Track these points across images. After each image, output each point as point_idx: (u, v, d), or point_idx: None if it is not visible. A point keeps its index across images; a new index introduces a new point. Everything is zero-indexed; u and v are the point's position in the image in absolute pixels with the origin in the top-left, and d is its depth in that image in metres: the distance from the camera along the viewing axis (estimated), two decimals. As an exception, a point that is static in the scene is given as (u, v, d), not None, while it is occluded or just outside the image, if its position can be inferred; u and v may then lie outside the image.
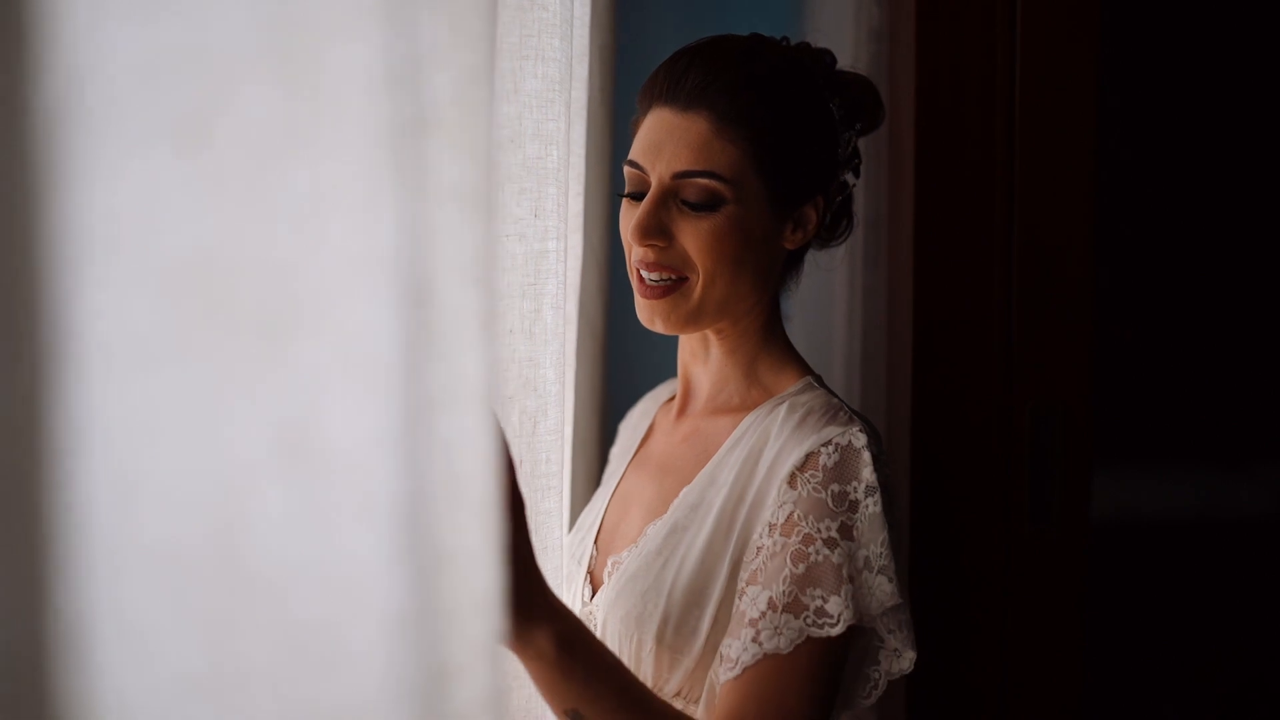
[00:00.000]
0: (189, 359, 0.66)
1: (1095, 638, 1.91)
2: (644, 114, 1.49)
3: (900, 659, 1.43)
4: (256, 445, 0.68)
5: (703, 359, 1.56)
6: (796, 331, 1.70)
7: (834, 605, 1.34)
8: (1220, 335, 2.55)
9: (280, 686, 0.69)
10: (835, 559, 1.36)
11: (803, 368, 1.54)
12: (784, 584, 1.35)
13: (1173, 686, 2.54)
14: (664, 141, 1.44)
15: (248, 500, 0.68)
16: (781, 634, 1.34)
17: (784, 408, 1.47)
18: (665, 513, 1.49)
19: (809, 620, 1.34)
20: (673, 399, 1.64)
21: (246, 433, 0.68)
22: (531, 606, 1.21)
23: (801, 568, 1.35)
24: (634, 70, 1.87)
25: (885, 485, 1.40)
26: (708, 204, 1.43)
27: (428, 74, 0.72)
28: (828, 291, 2.10)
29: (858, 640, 1.43)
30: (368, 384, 0.70)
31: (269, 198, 0.67)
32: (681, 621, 1.40)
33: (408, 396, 0.71)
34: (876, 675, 1.43)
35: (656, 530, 1.47)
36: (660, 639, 1.41)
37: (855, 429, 1.41)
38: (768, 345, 1.54)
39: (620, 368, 2.25)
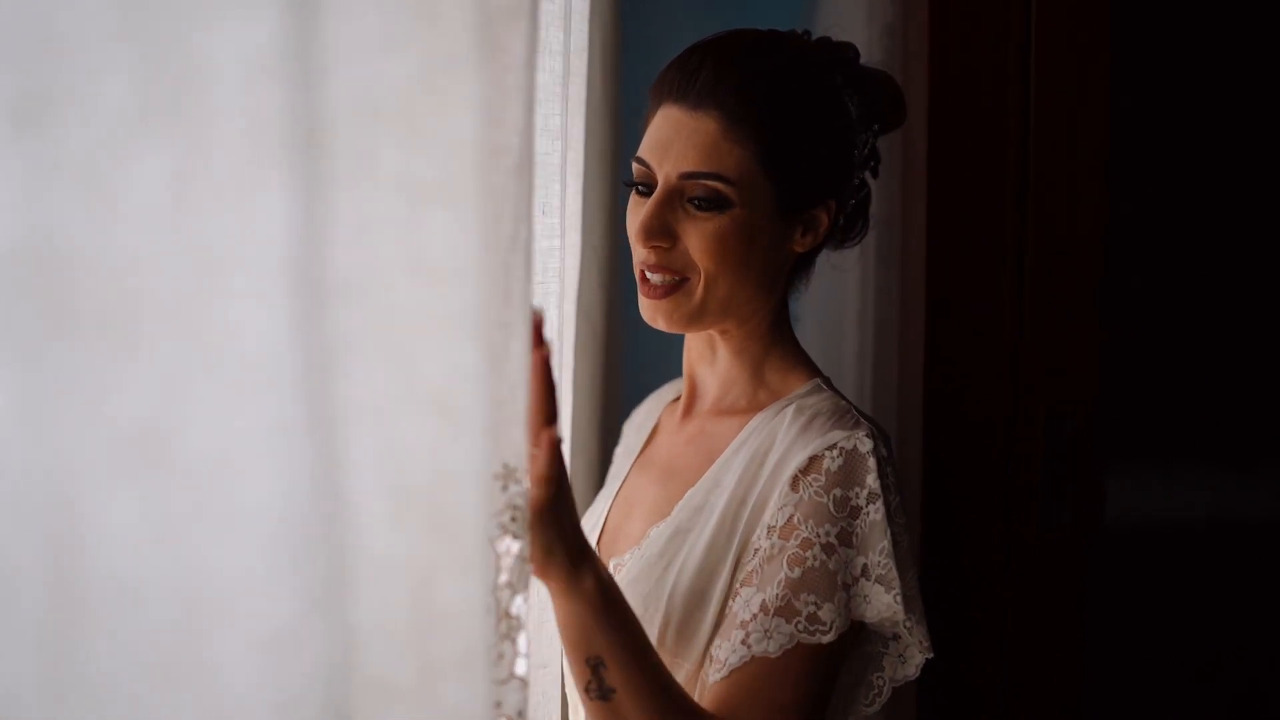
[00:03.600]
0: (15, 356, 0.62)
1: (1103, 640, 1.88)
2: (654, 110, 1.46)
3: (905, 665, 1.40)
4: (94, 451, 0.64)
5: (709, 360, 1.53)
6: (808, 331, 1.68)
7: (827, 612, 1.32)
8: (1230, 336, 2.53)
9: (124, 699, 0.65)
10: (832, 565, 1.33)
11: (811, 369, 1.51)
12: (778, 587, 1.33)
13: (1181, 690, 2.52)
14: (672, 140, 1.41)
15: (87, 507, 0.64)
16: (771, 637, 1.32)
17: (791, 410, 1.44)
18: (669, 515, 1.46)
19: (800, 626, 1.32)
20: (678, 399, 1.61)
21: (82, 438, 0.64)
22: (583, 549, 1.22)
23: (797, 572, 1.33)
24: (639, 65, 1.83)
25: (890, 491, 1.37)
26: (713, 205, 1.39)
27: (377, 62, 0.68)
28: (839, 291, 2.08)
29: (862, 646, 1.41)
30: (246, 386, 0.65)
31: (116, 187, 0.63)
32: (682, 625, 1.38)
33: (305, 401, 0.67)
34: (881, 682, 1.41)
35: (659, 533, 1.44)
36: (661, 642, 1.38)
37: (861, 433, 1.38)
38: (775, 347, 1.50)
39: (621, 367, 2.22)
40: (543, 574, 1.21)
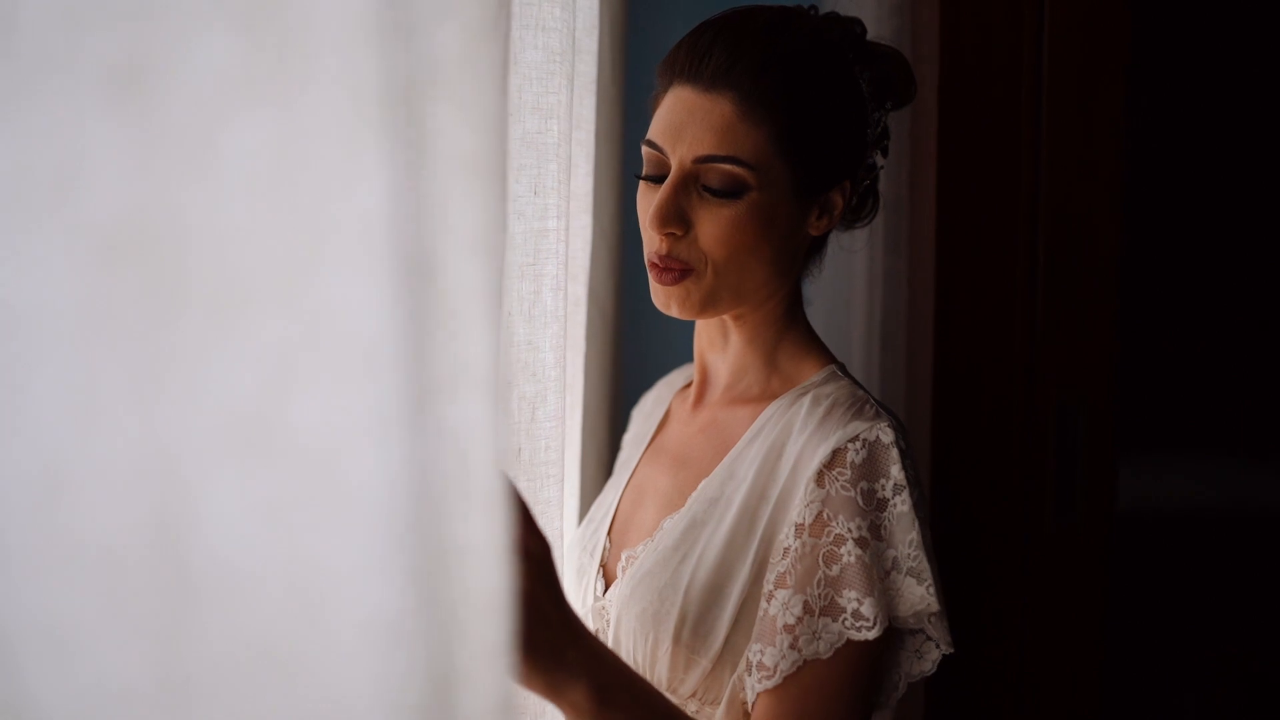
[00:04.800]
0: (123, 335, 0.59)
1: (1116, 630, 1.86)
2: (664, 91, 1.42)
3: (922, 661, 1.37)
4: (205, 433, 0.61)
5: (721, 347, 1.50)
6: (815, 316, 1.66)
7: (869, 608, 1.29)
8: (1244, 324, 2.49)
9: (234, 700, 0.62)
10: (867, 559, 1.30)
11: (825, 356, 1.48)
12: (819, 587, 1.30)
13: (1194, 680, 2.50)
14: (685, 123, 1.37)
15: (195, 494, 0.61)
16: (820, 638, 1.29)
17: (807, 399, 1.41)
18: (682, 506, 1.43)
19: (847, 623, 1.29)
20: (688, 386, 1.59)
21: (193, 419, 0.61)
22: (564, 658, 1.13)
23: (835, 569, 1.30)
24: (647, 44, 1.81)
25: (913, 482, 1.34)
26: (730, 191, 1.36)
27: (431, 28, 0.66)
28: (847, 275, 2.05)
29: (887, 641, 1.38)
30: (351, 366, 0.62)
31: (219, 155, 0.60)
32: (699, 620, 1.35)
33: (407, 380, 0.64)
34: (896, 677, 1.38)
35: (674, 524, 1.41)
36: (677, 638, 1.35)
37: (883, 424, 1.35)
38: (789, 332, 1.48)
39: (633, 352, 2.20)
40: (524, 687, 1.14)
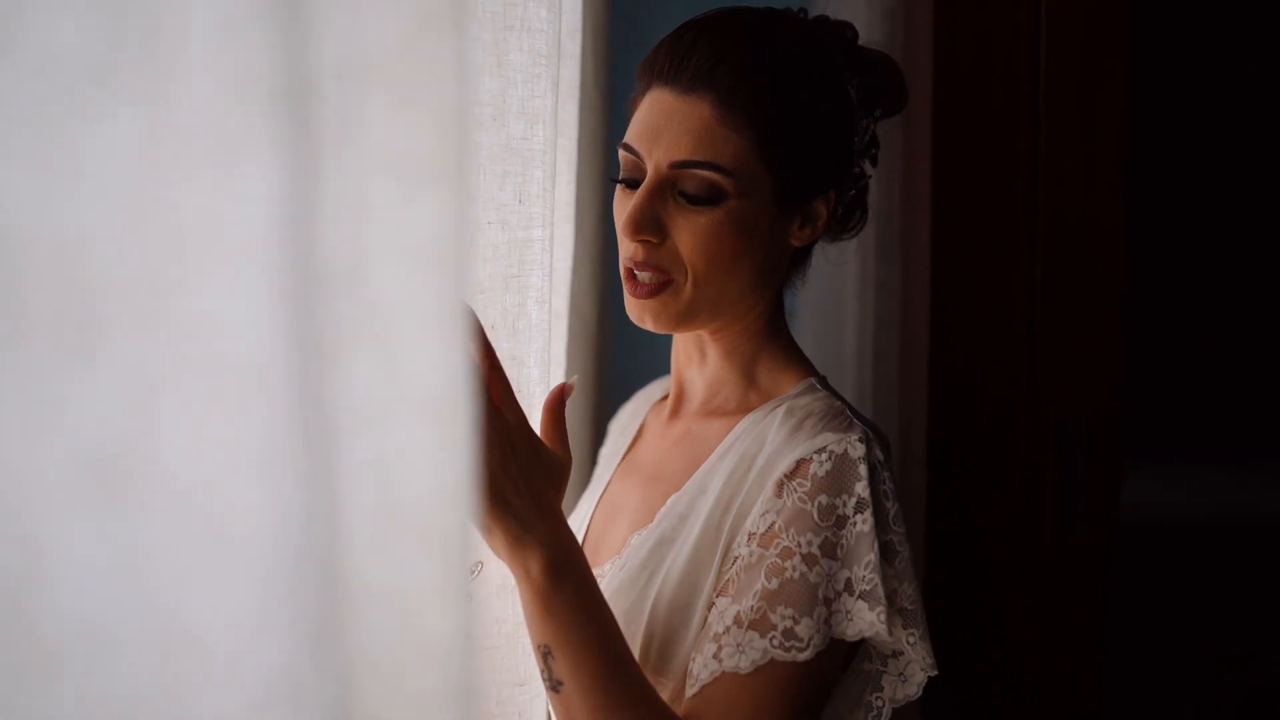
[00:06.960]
0: None
1: (1116, 638, 1.83)
2: (643, 93, 1.37)
3: (907, 685, 1.32)
4: (56, 473, 0.54)
5: (698, 361, 1.45)
6: (804, 328, 1.62)
7: (804, 628, 1.24)
8: (1247, 331, 2.46)
9: None
10: (813, 577, 1.25)
11: (805, 368, 1.43)
12: (754, 599, 1.25)
13: (1194, 688, 2.47)
14: (662, 126, 1.33)
15: (44, 545, 0.54)
16: (744, 652, 1.24)
17: (781, 410, 1.36)
18: (651, 522, 1.38)
19: (775, 641, 1.23)
20: (665, 398, 1.53)
21: (40, 457, 0.53)
22: (531, 524, 1.18)
23: (775, 583, 1.25)
24: (629, 48, 1.76)
25: (886, 499, 1.29)
26: (707, 197, 1.31)
27: (350, 17, 0.59)
28: (837, 286, 2.01)
29: (860, 665, 1.32)
30: (227, 392, 0.56)
31: (71, 154, 0.53)
32: (666, 640, 1.30)
33: (301, 408, 0.57)
34: (880, 703, 1.32)
35: (641, 541, 1.37)
36: (645, 659, 1.31)
37: (854, 436, 1.30)
38: (768, 346, 1.43)
39: (616, 366, 2.15)
40: (491, 547, 1.18)
